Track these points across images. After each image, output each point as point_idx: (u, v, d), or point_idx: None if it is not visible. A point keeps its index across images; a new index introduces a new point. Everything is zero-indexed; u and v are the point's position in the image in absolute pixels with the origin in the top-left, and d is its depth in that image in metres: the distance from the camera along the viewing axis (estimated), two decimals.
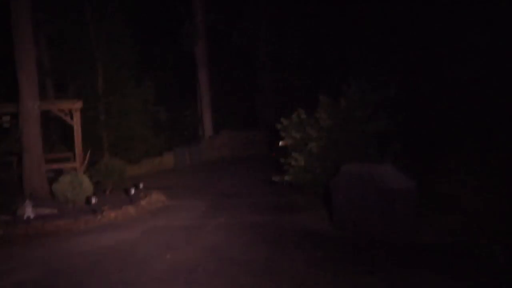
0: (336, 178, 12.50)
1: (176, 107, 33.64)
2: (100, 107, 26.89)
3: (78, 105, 19.71)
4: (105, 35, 27.11)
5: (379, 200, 11.21)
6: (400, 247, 10.36)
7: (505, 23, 15.29)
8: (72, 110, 19.72)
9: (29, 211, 14.08)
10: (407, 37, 19.24)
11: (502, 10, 15.47)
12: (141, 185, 17.79)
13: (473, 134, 14.58)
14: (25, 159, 17.43)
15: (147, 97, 28.69)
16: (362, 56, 21.60)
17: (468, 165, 13.50)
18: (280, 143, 17.53)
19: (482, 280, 8.39)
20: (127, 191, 16.94)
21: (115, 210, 15.07)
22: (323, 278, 8.73)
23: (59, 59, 27.06)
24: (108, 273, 9.61)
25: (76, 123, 19.74)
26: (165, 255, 10.50)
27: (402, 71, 18.37)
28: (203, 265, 9.68)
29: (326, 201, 13.67)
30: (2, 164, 19.21)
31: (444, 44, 17.59)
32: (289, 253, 10.35)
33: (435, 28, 18.18)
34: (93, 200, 15.06)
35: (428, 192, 12.64)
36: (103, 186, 18.21)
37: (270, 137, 24.52)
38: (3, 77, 22.65)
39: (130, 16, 28.53)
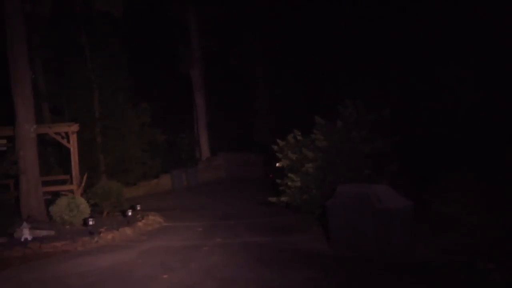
0: (332, 198, 12.54)
1: (172, 130, 33.70)
2: (96, 130, 26.97)
3: (74, 128, 19.78)
4: (101, 59, 27.26)
5: (375, 220, 11.25)
6: (397, 266, 10.38)
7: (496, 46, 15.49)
8: (68, 133, 19.80)
9: (26, 233, 14.09)
10: (403, 58, 19.42)
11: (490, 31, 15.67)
12: (138, 207, 17.84)
13: (468, 154, 14.67)
14: (22, 181, 17.43)
15: (144, 119, 28.81)
16: (358, 78, 21.74)
17: (463, 185, 13.56)
18: (277, 164, 17.60)
19: None
20: (124, 213, 16.97)
21: (112, 231, 15.08)
22: None
23: (55, 83, 27.15)
24: None
25: (73, 146, 19.80)
26: (162, 276, 10.51)
27: (397, 91, 18.51)
28: (200, 286, 9.69)
29: (323, 221, 13.69)
30: None
31: (440, 65, 17.74)
32: (286, 273, 10.35)
33: (431, 49, 18.36)
34: (90, 222, 15.06)
35: (424, 212, 12.69)
36: (100, 208, 18.20)
37: (266, 159, 24.59)
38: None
39: (126, 39, 28.72)
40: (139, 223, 16.32)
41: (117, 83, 27.78)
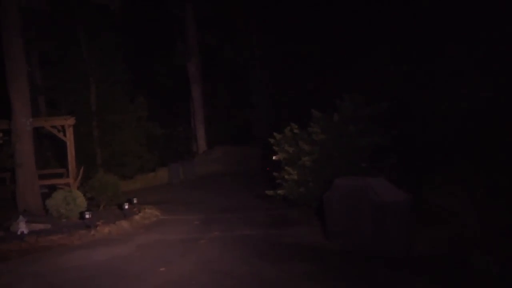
0: (329, 192, 12.55)
1: (169, 123, 33.68)
2: (93, 123, 26.93)
3: (70, 121, 19.75)
4: (98, 52, 27.21)
5: (372, 213, 11.26)
6: (394, 259, 10.39)
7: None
8: (65, 126, 19.77)
9: (22, 227, 14.07)
10: (400, 51, 19.38)
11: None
12: (135, 200, 17.81)
13: (466, 147, 14.66)
14: (18, 175, 17.41)
15: (141, 113, 28.79)
16: (356, 71, 21.70)
17: (461, 178, 13.56)
18: (274, 158, 17.59)
19: None
20: (121, 207, 16.95)
21: (109, 225, 15.06)
22: None
23: (52, 76, 27.11)
24: (103, 287, 9.62)
25: (69, 139, 19.78)
26: (159, 269, 10.51)
27: (395, 85, 18.48)
28: (197, 279, 9.69)
29: (320, 214, 13.69)
30: None
31: (437, 58, 17.71)
32: (283, 266, 10.36)
33: (428, 42, 18.32)
34: (87, 216, 15.04)
35: (422, 205, 12.69)
36: (97, 202, 18.17)
37: (264, 152, 24.59)
38: None
39: (123, 33, 28.67)
40: (136, 217, 16.30)
41: (114, 77, 27.75)
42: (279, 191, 16.85)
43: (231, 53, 34.49)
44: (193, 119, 34.94)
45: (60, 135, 19.85)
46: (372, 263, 10.33)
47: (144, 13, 31.59)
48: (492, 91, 14.74)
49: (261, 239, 12.97)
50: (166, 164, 28.88)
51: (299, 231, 13.68)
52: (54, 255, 12.41)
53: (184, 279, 9.72)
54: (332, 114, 16.02)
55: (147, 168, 28.59)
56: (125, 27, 28.89)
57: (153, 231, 14.84)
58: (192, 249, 12.19)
